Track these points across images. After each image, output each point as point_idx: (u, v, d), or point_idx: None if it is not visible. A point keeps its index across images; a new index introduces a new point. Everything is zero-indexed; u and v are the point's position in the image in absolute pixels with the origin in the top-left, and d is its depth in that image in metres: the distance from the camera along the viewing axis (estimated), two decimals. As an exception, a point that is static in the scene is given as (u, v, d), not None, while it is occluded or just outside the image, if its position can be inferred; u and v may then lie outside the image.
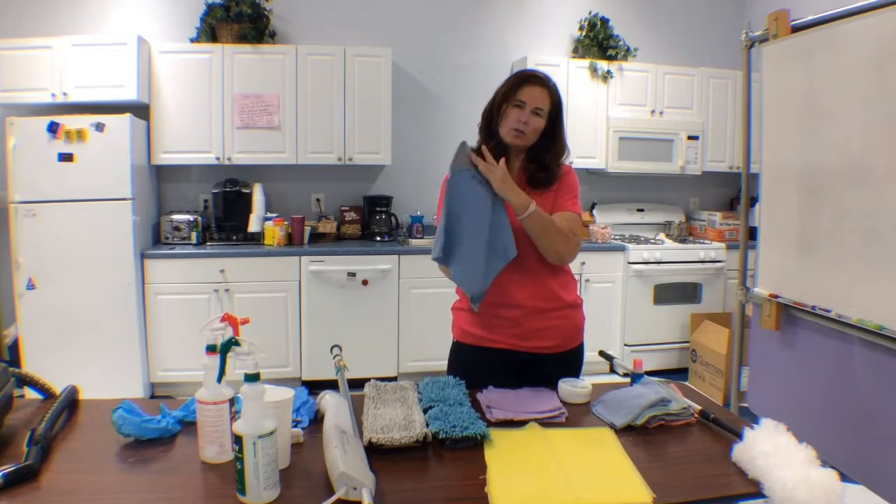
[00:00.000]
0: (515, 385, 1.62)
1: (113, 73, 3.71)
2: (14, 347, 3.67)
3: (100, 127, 3.56)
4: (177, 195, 4.31)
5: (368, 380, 1.58)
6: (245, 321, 1.31)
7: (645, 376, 1.59)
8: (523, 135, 1.70)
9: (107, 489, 1.10)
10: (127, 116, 3.61)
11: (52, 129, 3.51)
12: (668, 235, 4.75)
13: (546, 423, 1.41)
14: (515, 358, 1.74)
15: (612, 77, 4.46)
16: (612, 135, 4.44)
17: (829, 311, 2.23)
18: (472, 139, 1.81)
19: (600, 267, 4.22)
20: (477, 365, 1.74)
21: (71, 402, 1.43)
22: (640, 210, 4.89)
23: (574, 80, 4.37)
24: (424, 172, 4.55)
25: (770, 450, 1.14)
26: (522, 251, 1.70)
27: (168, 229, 4.02)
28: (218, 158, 4.01)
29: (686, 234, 4.85)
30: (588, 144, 4.41)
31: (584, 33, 4.62)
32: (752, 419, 1.38)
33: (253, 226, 4.07)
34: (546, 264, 1.74)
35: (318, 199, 4.49)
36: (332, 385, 1.51)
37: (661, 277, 4.34)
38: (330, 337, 3.78)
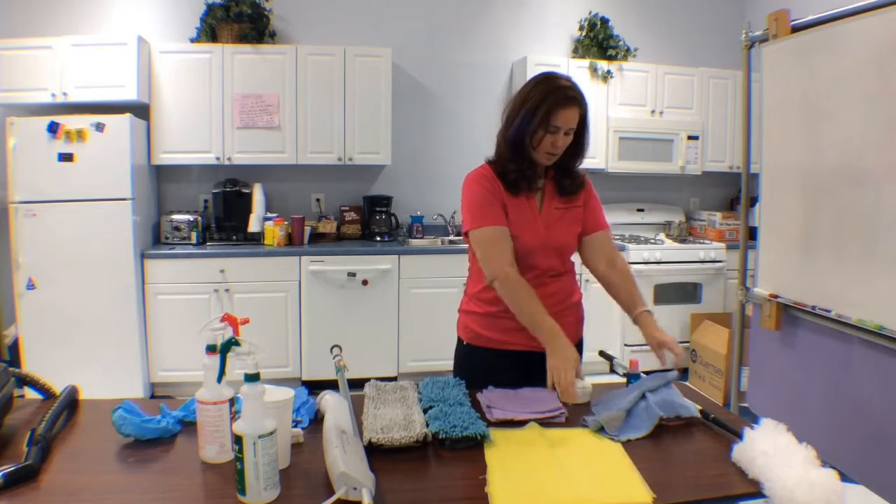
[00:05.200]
0: (521, 385, 1.63)
1: (113, 73, 3.71)
2: (14, 347, 3.67)
3: (100, 127, 3.56)
4: (177, 195, 4.31)
5: (368, 380, 1.58)
6: (245, 321, 1.31)
7: (642, 376, 1.59)
8: (554, 157, 1.70)
9: (107, 489, 1.10)
10: (127, 116, 3.61)
11: (52, 129, 3.51)
12: (668, 235, 4.75)
13: (546, 422, 1.41)
14: (528, 359, 1.74)
15: (612, 77, 4.46)
16: (612, 135, 4.44)
17: (829, 311, 2.23)
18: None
19: (600, 267, 4.21)
20: (489, 367, 1.74)
21: (71, 402, 1.43)
22: (640, 210, 4.88)
23: (574, 80, 4.36)
24: (424, 172, 4.56)
25: (770, 450, 1.14)
26: (549, 261, 1.74)
27: (168, 229, 4.02)
28: (218, 158, 4.01)
29: (686, 234, 4.85)
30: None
31: (584, 33, 4.63)
32: (752, 419, 1.38)
33: (253, 226, 4.07)
34: (563, 266, 1.79)
35: (318, 199, 4.49)
36: (332, 385, 1.51)
37: (661, 277, 4.34)
38: (330, 337, 3.77)
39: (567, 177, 1.78)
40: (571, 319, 1.82)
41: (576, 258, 1.88)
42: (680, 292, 4.41)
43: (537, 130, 1.64)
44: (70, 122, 3.54)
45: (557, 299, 1.77)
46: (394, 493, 1.09)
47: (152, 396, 3.83)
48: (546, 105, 1.62)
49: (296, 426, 1.32)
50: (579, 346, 1.87)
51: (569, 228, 1.79)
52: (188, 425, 1.34)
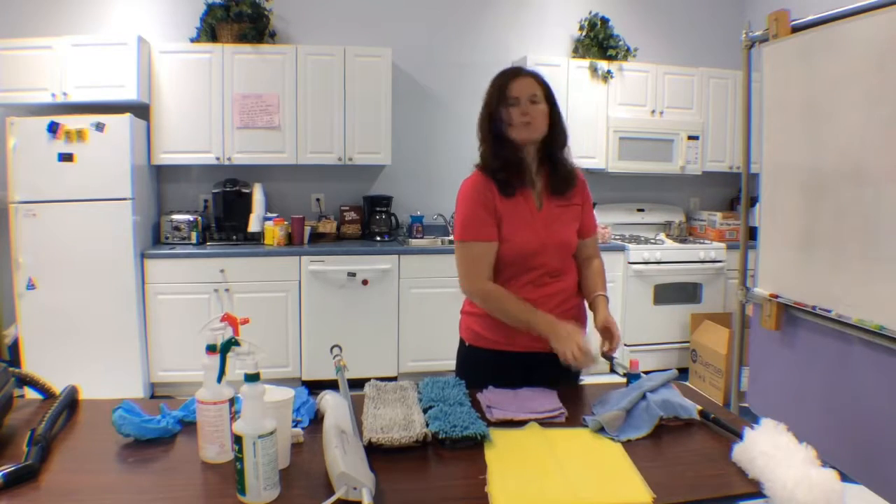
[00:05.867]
0: (522, 386, 1.63)
1: (113, 73, 3.71)
2: (14, 347, 3.67)
3: (100, 127, 3.56)
4: (177, 195, 4.31)
5: (368, 380, 1.58)
6: (245, 321, 1.31)
7: (642, 376, 1.59)
8: (531, 125, 1.70)
9: (107, 489, 1.10)
10: (127, 116, 3.61)
11: (52, 129, 3.51)
12: (668, 235, 4.75)
13: (546, 422, 1.41)
14: (530, 359, 1.74)
15: (612, 77, 4.46)
16: (612, 135, 4.44)
17: (829, 311, 2.23)
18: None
19: (600, 267, 4.22)
20: (491, 368, 1.74)
21: (71, 402, 1.43)
22: (641, 210, 4.88)
23: (574, 79, 4.37)
24: (424, 172, 4.56)
25: (770, 450, 1.14)
26: (550, 260, 1.74)
27: (168, 229, 4.02)
28: (218, 158, 4.01)
29: (686, 234, 4.85)
30: (588, 144, 4.41)
31: (584, 33, 4.63)
32: (752, 419, 1.38)
33: (253, 226, 4.07)
34: (563, 266, 1.79)
35: (318, 199, 4.49)
36: (332, 385, 1.51)
37: (662, 277, 4.34)
38: (330, 337, 3.77)
39: (557, 170, 1.78)
40: (571, 321, 1.80)
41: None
42: (680, 292, 4.41)
43: (500, 110, 1.70)
44: (70, 122, 3.54)
45: (559, 300, 1.77)
46: (394, 492, 1.09)
47: (152, 396, 3.83)
48: (498, 83, 1.73)
49: (296, 426, 1.31)
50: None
51: (569, 226, 1.80)
52: (188, 425, 1.34)
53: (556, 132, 1.75)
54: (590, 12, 4.63)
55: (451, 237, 4.43)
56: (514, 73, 1.72)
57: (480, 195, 1.72)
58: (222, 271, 3.79)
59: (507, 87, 1.70)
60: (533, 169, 1.78)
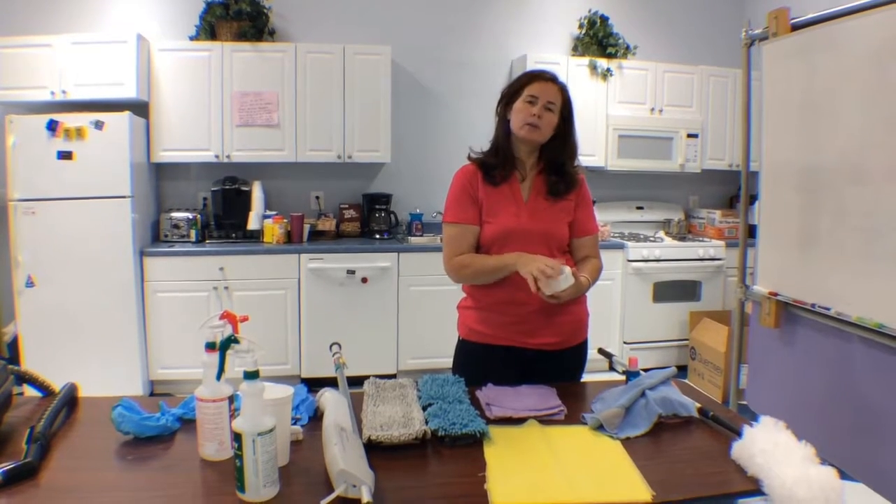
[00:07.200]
0: (520, 383, 1.63)
1: (112, 71, 3.71)
2: (13, 345, 3.67)
3: (99, 125, 3.56)
4: (176, 193, 4.30)
5: (368, 377, 1.58)
6: (244, 319, 1.31)
7: (641, 373, 1.59)
8: (537, 129, 1.71)
9: (106, 486, 1.10)
10: (126, 114, 3.61)
11: (52, 126, 3.50)
12: (667, 233, 4.75)
13: (545, 420, 1.41)
14: (522, 355, 1.75)
15: (611, 75, 4.46)
16: (611, 133, 4.44)
17: (828, 309, 2.23)
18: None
19: (600, 265, 4.21)
20: (483, 363, 1.75)
21: (70, 400, 1.43)
22: (640, 208, 4.88)
23: (574, 78, 4.37)
24: (424, 170, 4.55)
25: (769, 447, 1.14)
26: (535, 249, 1.72)
27: (167, 227, 4.02)
28: (217, 156, 4.00)
29: (685, 231, 4.84)
30: (587, 142, 4.40)
31: (583, 31, 4.62)
32: (751, 417, 1.38)
33: (252, 223, 4.07)
34: (553, 257, 1.75)
35: (317, 197, 4.49)
36: (331, 382, 1.51)
37: (661, 275, 4.34)
38: (329, 334, 3.77)
39: (560, 179, 1.78)
40: (570, 318, 1.79)
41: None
42: (679, 290, 4.41)
43: (512, 101, 1.74)
44: (69, 119, 3.53)
45: None
46: (393, 490, 1.09)
47: (151, 394, 3.83)
48: (527, 75, 1.77)
49: (295, 423, 1.32)
50: (584, 347, 1.86)
51: (556, 218, 1.79)
52: (187, 423, 1.34)
53: (563, 144, 1.78)
54: (589, 10, 4.62)
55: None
56: (545, 75, 1.75)
57: (464, 181, 1.79)
58: (221, 269, 3.79)
59: (532, 83, 1.73)
60: (527, 164, 1.80)
